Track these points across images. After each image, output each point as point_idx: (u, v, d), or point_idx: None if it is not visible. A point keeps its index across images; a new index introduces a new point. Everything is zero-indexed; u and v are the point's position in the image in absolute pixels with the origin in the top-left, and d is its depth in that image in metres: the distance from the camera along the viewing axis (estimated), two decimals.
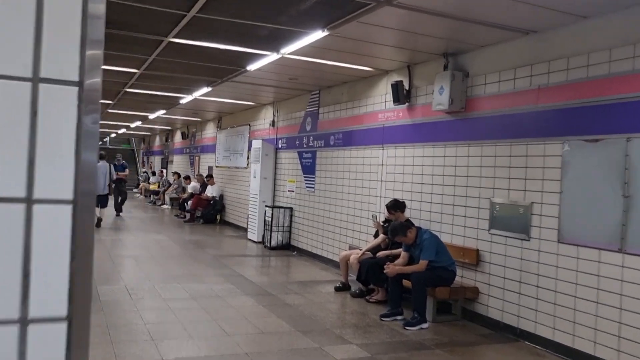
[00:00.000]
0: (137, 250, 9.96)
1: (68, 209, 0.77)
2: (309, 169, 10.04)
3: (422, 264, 5.73)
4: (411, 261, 6.05)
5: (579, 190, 4.83)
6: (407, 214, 6.87)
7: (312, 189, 9.87)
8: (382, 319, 5.88)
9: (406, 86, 7.26)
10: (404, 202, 6.80)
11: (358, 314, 6.17)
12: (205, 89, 10.46)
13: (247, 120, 13.53)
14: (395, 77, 7.48)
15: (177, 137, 21.57)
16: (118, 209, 14.89)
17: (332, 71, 8.04)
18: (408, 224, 6.07)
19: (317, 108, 9.82)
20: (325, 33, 5.87)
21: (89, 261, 0.80)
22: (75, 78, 0.77)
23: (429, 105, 6.76)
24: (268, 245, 10.73)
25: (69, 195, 0.76)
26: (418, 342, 5.20)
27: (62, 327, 0.78)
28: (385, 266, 5.93)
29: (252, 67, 7.97)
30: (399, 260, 6.06)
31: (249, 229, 11.98)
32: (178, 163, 21.52)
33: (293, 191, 10.70)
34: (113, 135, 30.08)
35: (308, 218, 10.02)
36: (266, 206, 11.14)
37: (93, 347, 4.90)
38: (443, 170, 6.55)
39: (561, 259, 4.98)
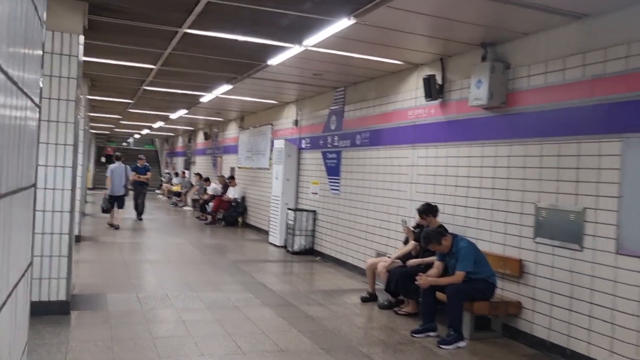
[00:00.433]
0: (154, 254, 9.56)
1: None
2: (333, 170, 9.52)
3: (459, 275, 5.17)
4: (445, 271, 5.49)
5: None
6: (440, 219, 6.31)
7: (337, 192, 9.35)
8: (414, 335, 5.33)
9: (439, 80, 6.70)
10: (436, 206, 6.24)
11: (387, 328, 5.63)
12: (226, 87, 10.03)
13: (270, 119, 13.09)
14: (427, 71, 6.92)
15: (200, 137, 21.27)
16: (139, 213, 14.48)
17: (359, 65, 7.51)
18: (442, 230, 5.51)
19: (342, 106, 9.30)
20: (352, 21, 5.35)
21: None
22: None
23: (465, 100, 6.19)
24: (290, 250, 10.25)
25: None
26: None
27: None
28: (417, 277, 5.37)
29: (273, 61, 7.50)
30: (432, 271, 5.50)
31: (270, 233, 11.51)
32: (200, 164, 21.21)
33: (317, 193, 10.20)
34: (137, 136, 30.00)
35: (332, 222, 9.50)
36: (288, 209, 10.65)
37: None
38: (480, 172, 5.97)
39: (620, 272, 4.37)
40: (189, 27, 6.02)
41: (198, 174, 18.98)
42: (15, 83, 1.12)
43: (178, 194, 20.89)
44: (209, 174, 18.79)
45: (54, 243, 5.22)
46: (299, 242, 10.18)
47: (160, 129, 22.60)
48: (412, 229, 6.71)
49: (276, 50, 6.93)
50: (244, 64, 7.92)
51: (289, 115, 11.80)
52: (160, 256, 9.33)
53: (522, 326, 5.29)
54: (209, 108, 14.03)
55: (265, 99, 11.63)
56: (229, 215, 14.49)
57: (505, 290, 5.52)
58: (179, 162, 26.57)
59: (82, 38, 5.30)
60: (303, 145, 10.92)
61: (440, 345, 5.01)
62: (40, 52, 1.56)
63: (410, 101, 7.38)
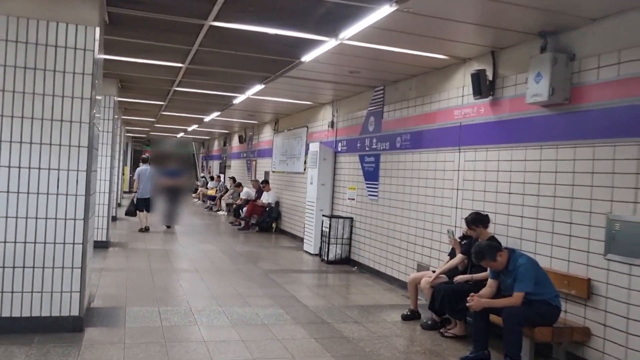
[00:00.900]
0: (182, 262, 9.13)
1: None
2: (371, 175, 8.91)
3: (517, 296, 4.49)
4: (499, 291, 4.83)
5: None
6: (491, 229, 5.65)
7: (375, 197, 8.74)
8: None
9: (489, 76, 6.04)
10: (487, 216, 5.57)
11: (432, 354, 4.99)
12: (259, 87, 9.56)
13: (305, 121, 12.56)
14: (476, 66, 6.26)
15: (235, 141, 20.94)
16: (168, 220, 13.86)
17: (399, 61, 6.90)
18: (498, 245, 4.84)
19: (381, 106, 8.69)
20: (393, 8, 4.76)
21: None
22: None
23: (520, 98, 5.52)
24: (325, 258, 9.68)
25: None
26: None
27: None
28: (468, 298, 4.71)
29: (307, 57, 6.96)
30: (485, 290, 4.83)
31: (305, 240, 10.97)
32: (235, 168, 20.86)
33: (354, 199, 9.61)
34: (173, 138, 29.94)
35: (370, 230, 8.89)
36: (323, 215, 10.09)
37: None
38: (538, 177, 5.28)
39: None
40: (215, 20, 5.53)
41: (232, 178, 18.64)
42: None
43: (213, 198, 20.61)
44: (244, 177, 18.42)
45: (67, 254, 4.78)
46: (335, 251, 9.60)
47: (194, 132, 22.38)
48: (459, 240, 6.06)
49: (310, 45, 6.39)
50: (275, 61, 7.41)
51: (325, 116, 11.26)
52: (189, 265, 8.89)
53: (590, 355, 4.57)
54: (243, 110, 13.62)
55: (299, 99, 11.11)
56: (263, 220, 14.04)
57: (569, 313, 4.81)
58: (215, 165, 26.37)
59: (98, 31, 4.86)
60: (339, 149, 10.35)
61: None
62: None
63: (456, 99, 6.73)
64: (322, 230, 9.98)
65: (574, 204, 4.82)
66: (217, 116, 15.02)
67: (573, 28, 4.96)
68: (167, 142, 29.22)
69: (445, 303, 5.42)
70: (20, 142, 4.65)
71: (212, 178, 23.62)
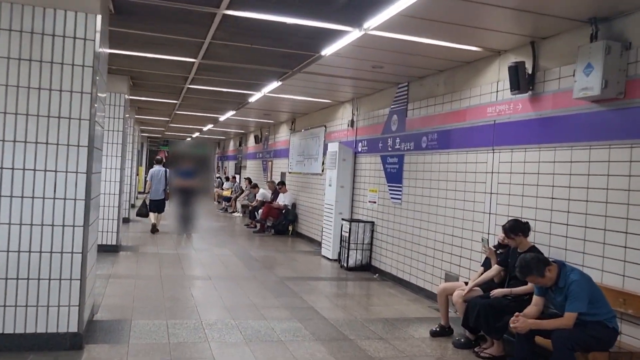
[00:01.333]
0: (195, 269, 8.69)
1: None
2: (394, 177, 8.39)
3: (570, 317, 3.94)
4: (545, 309, 4.29)
5: None
6: (531, 238, 5.11)
7: (399, 201, 8.22)
8: None
9: (528, 69, 5.50)
10: (527, 224, 5.02)
11: None
12: (275, 84, 9.09)
13: (323, 120, 12.07)
14: (513, 59, 5.72)
15: (250, 141, 20.52)
16: (183, 229, 13.25)
17: (427, 54, 6.39)
18: (546, 259, 4.29)
19: (405, 104, 8.17)
20: None
21: None
22: None
23: (565, 92, 4.98)
24: (345, 265, 9.18)
25: None
26: None
27: None
28: (513, 318, 4.16)
29: (328, 51, 6.47)
30: (531, 309, 4.27)
31: (323, 245, 10.48)
32: (251, 168, 20.44)
33: (375, 202, 9.09)
34: (188, 139, 29.67)
35: (393, 235, 8.37)
36: (343, 219, 9.58)
37: None
38: (587, 181, 4.73)
39: None
40: (228, 7, 5.06)
41: (248, 179, 18.22)
42: None
43: (228, 199, 20.22)
44: (260, 178, 17.99)
45: (64, 264, 4.34)
46: (355, 257, 9.10)
47: (210, 131, 22.01)
48: (494, 249, 5.52)
49: (331, 36, 5.90)
50: (293, 55, 6.92)
51: (344, 115, 10.76)
52: (201, 271, 8.44)
53: None
54: (258, 109, 13.17)
55: (317, 97, 10.62)
56: (279, 223, 13.57)
57: (625, 335, 4.26)
58: (230, 166, 25.99)
59: (99, 19, 4.41)
60: (359, 149, 9.84)
61: None
62: None
63: (490, 95, 6.19)
64: (341, 234, 9.49)
65: (631, 211, 4.27)
66: (233, 115, 14.59)
67: (629, 13, 4.40)
68: (183, 142, 28.99)
69: (481, 319, 4.88)
70: (14, 141, 4.23)
71: (227, 179, 23.23)
